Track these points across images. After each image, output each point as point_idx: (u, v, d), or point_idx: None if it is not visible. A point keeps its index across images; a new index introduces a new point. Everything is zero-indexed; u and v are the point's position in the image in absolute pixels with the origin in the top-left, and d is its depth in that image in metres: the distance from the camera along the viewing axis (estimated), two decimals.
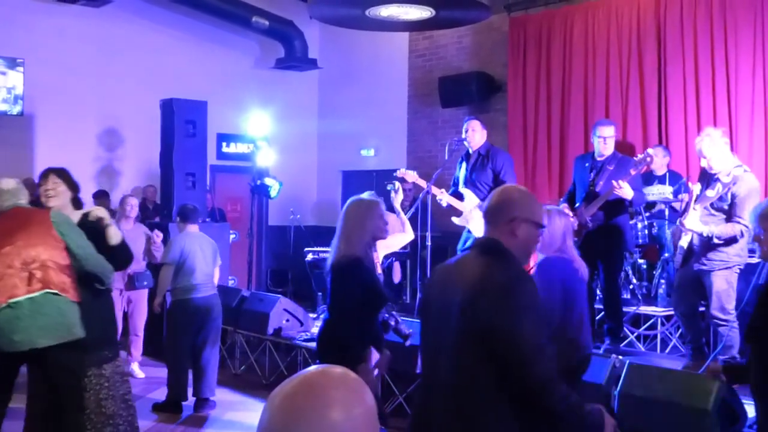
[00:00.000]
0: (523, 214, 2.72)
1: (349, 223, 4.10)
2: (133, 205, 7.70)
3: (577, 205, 6.58)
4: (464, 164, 7.38)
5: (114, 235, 4.43)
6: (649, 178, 7.84)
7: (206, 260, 6.46)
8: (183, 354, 6.44)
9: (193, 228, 6.57)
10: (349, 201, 4.24)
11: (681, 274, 5.83)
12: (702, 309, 5.93)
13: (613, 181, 6.10)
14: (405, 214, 8.13)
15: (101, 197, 9.99)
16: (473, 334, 2.52)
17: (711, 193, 5.29)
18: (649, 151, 6.33)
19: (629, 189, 6.15)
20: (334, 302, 4.10)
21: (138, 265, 7.21)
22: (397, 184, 5.91)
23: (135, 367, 7.63)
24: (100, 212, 4.43)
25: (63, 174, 4.59)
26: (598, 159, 6.54)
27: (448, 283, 2.69)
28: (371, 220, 4.11)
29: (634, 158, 6.41)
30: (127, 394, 4.65)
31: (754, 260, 5.92)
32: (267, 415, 1.33)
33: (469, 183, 7.25)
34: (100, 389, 4.44)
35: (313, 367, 1.39)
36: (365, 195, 4.29)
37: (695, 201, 5.41)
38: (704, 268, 5.51)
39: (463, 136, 7.34)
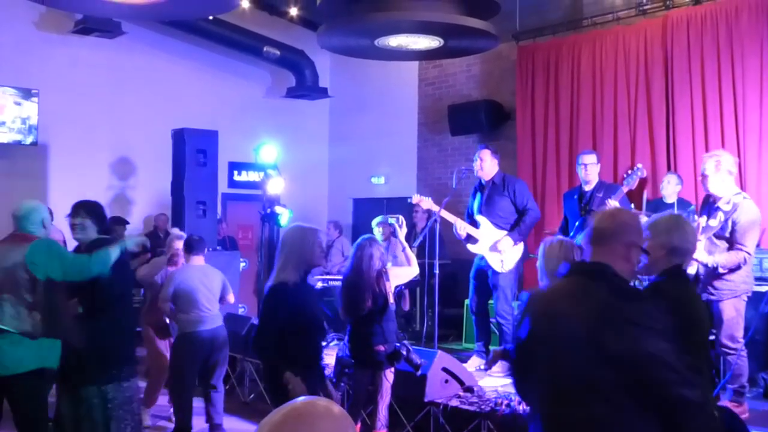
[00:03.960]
0: (638, 240, 2.75)
1: (286, 249, 4.13)
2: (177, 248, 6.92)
3: (570, 234, 6.73)
4: (478, 194, 7.44)
5: None
6: (658, 205, 7.85)
7: (210, 292, 6.41)
8: (190, 386, 6.41)
9: (198, 260, 6.50)
10: (288, 227, 4.34)
11: None
12: (712, 338, 5.91)
13: (607, 200, 6.29)
14: (415, 241, 8.23)
15: (118, 224, 10.00)
16: (605, 363, 2.48)
17: (714, 223, 5.30)
18: (639, 165, 6.57)
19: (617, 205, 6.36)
20: (262, 325, 4.17)
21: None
22: (401, 218, 5.97)
23: None
24: None
25: (91, 209, 4.78)
26: (586, 189, 6.74)
27: (557, 313, 2.65)
28: (309, 247, 4.13)
29: (623, 176, 6.64)
30: (123, 419, 4.61)
31: (763, 288, 5.91)
32: None
33: (485, 211, 7.30)
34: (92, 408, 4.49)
35: (300, 398, 1.43)
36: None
37: (700, 232, 5.42)
38: (713, 297, 5.50)
39: (474, 166, 7.40)
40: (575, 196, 6.90)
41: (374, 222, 7.17)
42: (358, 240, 5.50)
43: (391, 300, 5.41)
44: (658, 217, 3.38)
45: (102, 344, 4.52)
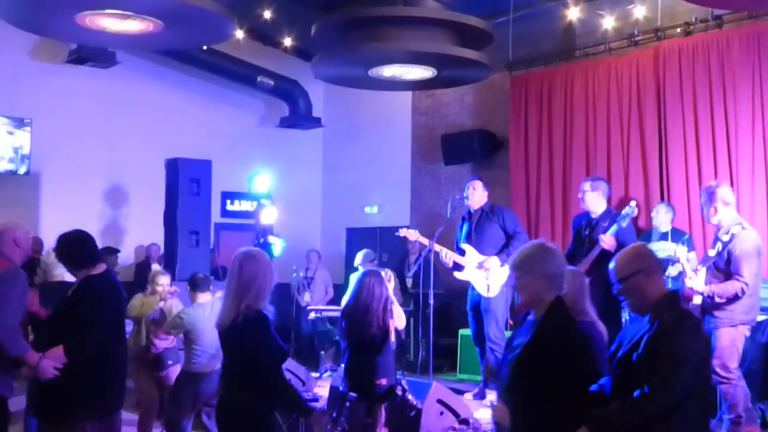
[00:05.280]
0: None
1: (258, 278, 3.91)
2: (164, 284, 6.65)
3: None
4: (466, 223, 7.46)
5: None
6: (652, 235, 7.84)
7: (211, 332, 6.17)
8: (186, 421, 6.25)
9: (204, 298, 6.22)
10: (243, 255, 3.98)
11: None
12: None
13: (601, 236, 6.32)
14: (409, 271, 8.21)
15: (109, 253, 9.95)
16: None
17: (712, 253, 5.30)
18: (632, 204, 6.61)
19: (611, 241, 6.40)
20: (249, 360, 3.84)
21: (167, 341, 6.65)
22: (389, 271, 5.94)
23: None
24: None
25: (60, 243, 4.66)
26: (593, 216, 6.77)
27: None
28: (271, 275, 3.98)
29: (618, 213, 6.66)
30: None
31: (761, 317, 5.88)
32: None
33: (474, 239, 7.30)
34: None
35: None
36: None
37: (700, 262, 5.43)
38: (710, 325, 5.49)
39: (465, 194, 7.42)
40: (583, 222, 6.93)
41: (358, 258, 6.93)
42: (364, 270, 5.51)
43: (393, 338, 5.37)
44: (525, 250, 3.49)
45: (71, 379, 4.35)
